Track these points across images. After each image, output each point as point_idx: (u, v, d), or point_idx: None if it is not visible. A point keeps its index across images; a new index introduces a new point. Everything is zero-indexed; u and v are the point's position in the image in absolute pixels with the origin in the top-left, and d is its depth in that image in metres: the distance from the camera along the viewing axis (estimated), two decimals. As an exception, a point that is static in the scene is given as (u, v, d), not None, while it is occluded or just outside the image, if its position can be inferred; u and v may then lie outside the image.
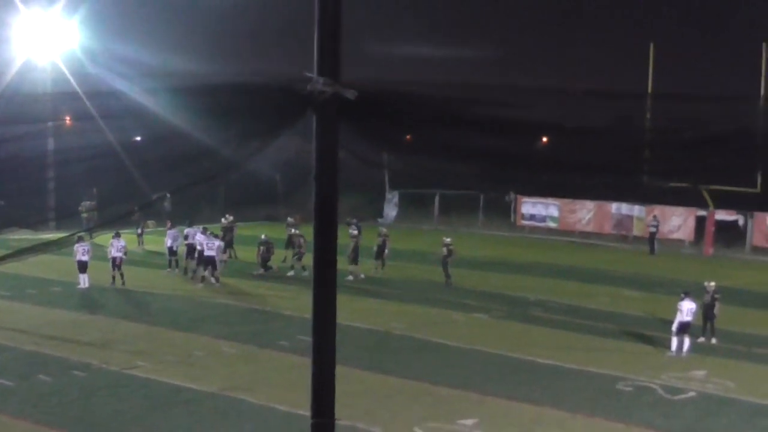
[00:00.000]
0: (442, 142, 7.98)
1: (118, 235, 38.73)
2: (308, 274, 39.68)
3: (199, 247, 40.25)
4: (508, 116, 7.84)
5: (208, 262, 39.17)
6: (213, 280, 38.78)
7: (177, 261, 41.75)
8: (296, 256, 41.34)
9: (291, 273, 41.03)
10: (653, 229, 54.27)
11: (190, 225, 42.31)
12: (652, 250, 53.62)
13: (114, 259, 38.05)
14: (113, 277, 37.90)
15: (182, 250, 41.62)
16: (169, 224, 43.30)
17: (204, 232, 40.74)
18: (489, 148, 8.06)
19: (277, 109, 7.32)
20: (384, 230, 44.67)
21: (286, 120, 7.37)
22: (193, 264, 40.81)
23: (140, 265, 43.01)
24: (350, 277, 39.66)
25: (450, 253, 40.13)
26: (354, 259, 40.67)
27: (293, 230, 42.73)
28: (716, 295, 30.07)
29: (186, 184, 8.17)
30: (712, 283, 30.33)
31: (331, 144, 7.26)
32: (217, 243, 39.54)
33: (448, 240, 40.88)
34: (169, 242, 42.04)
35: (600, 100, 8.39)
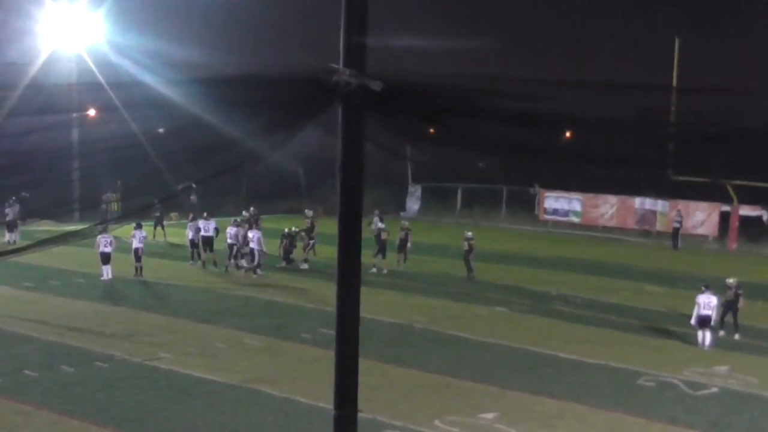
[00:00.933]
0: (467, 134, 7.97)
1: (140, 226, 38.90)
2: (307, 266, 40.20)
3: (230, 240, 40.93)
4: (533, 109, 7.83)
5: (250, 253, 39.93)
6: (254, 272, 39.71)
7: (199, 253, 41.85)
8: (310, 249, 41.72)
9: (305, 266, 41.14)
10: (677, 225, 54.05)
11: (206, 218, 42.43)
12: (675, 246, 53.41)
13: (136, 250, 38.19)
14: (136, 269, 38.03)
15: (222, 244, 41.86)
16: (191, 216, 43.55)
17: (237, 224, 41.57)
18: (513, 141, 8.06)
19: (304, 100, 7.33)
20: (406, 224, 44.62)
21: (312, 111, 7.37)
22: (211, 256, 41.17)
23: (163, 257, 43.16)
24: (374, 269, 39.74)
25: (471, 248, 40.08)
26: (380, 252, 40.86)
27: (307, 222, 43.05)
28: (739, 291, 29.88)
29: (211, 175, 8.19)
30: (733, 280, 30.12)
31: (356, 136, 7.26)
32: (255, 234, 39.77)
33: (470, 234, 40.79)
34: (190, 234, 42.16)
35: (625, 94, 8.37)
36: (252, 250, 39.80)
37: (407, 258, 42.54)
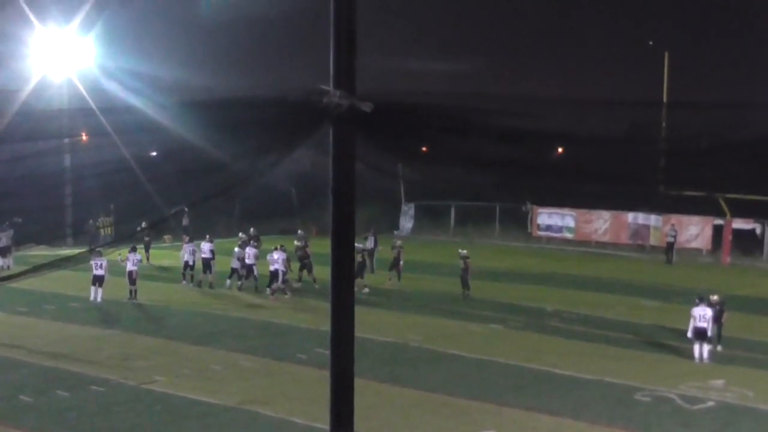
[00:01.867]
0: (458, 152, 7.99)
1: (134, 249, 38.90)
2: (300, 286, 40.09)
3: (248, 261, 41.15)
4: (524, 126, 7.85)
5: (273, 275, 39.97)
6: (284, 293, 39.83)
7: (192, 275, 41.90)
8: (306, 269, 41.68)
9: (298, 285, 41.14)
10: (671, 239, 54.12)
11: (210, 240, 42.64)
12: (669, 260, 53.46)
13: (131, 272, 38.15)
14: (130, 292, 38.00)
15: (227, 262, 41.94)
16: (186, 239, 43.64)
17: (255, 246, 42.20)
18: (504, 158, 8.08)
19: (294, 122, 7.35)
20: (398, 242, 44.70)
21: (303, 133, 7.39)
22: (210, 277, 41.27)
23: (156, 280, 43.09)
24: (366, 290, 39.67)
25: (467, 266, 39.96)
26: (358, 273, 40.69)
27: (296, 243, 43.07)
28: (721, 307, 29.72)
29: (202, 198, 8.19)
30: (716, 297, 29.96)
31: (347, 156, 7.28)
32: (281, 256, 39.96)
33: (465, 252, 40.71)
34: (185, 256, 42.19)
35: (615, 110, 8.39)
36: (276, 270, 39.83)
37: (401, 276, 42.55)
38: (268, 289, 40.08)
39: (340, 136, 7.19)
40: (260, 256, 41.37)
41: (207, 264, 41.67)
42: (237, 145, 7.55)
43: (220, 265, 42.29)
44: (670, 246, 53.99)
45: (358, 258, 40.59)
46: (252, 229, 45.94)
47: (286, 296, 39.35)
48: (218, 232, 52.55)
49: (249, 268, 41.25)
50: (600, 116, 8.33)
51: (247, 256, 41.24)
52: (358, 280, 39.82)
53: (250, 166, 7.66)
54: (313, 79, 7.42)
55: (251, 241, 43.02)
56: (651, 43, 60.77)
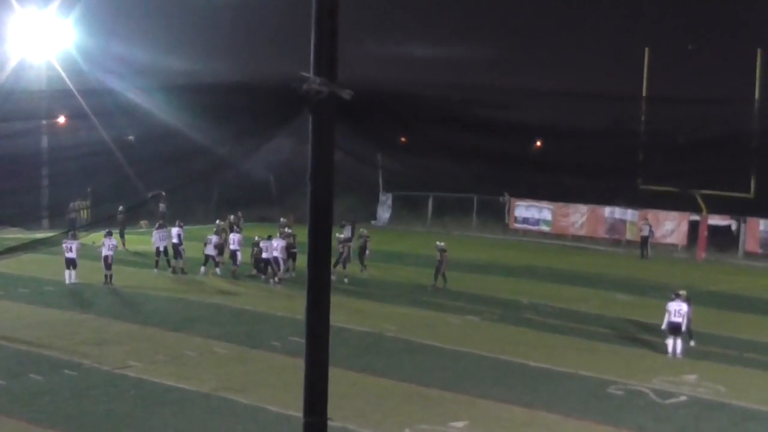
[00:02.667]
0: (438, 142, 7.99)
1: (110, 234, 38.76)
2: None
3: (233, 246, 41.36)
4: (503, 118, 7.86)
5: (267, 263, 40.22)
6: (273, 280, 39.74)
7: (169, 261, 41.83)
8: (291, 258, 41.35)
9: (287, 275, 40.92)
10: (645, 233, 54.22)
11: (180, 225, 42.62)
12: (644, 255, 53.60)
13: (106, 257, 38.02)
14: (106, 276, 37.88)
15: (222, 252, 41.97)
16: (158, 224, 43.45)
17: (238, 231, 42.61)
18: (484, 149, 8.08)
19: (273, 108, 7.33)
20: (365, 231, 44.57)
21: (282, 119, 7.37)
22: (180, 263, 41.48)
23: (132, 265, 42.96)
24: (345, 280, 39.63)
25: (443, 258, 39.78)
26: (343, 263, 40.65)
27: (286, 230, 42.76)
28: (689, 302, 29.67)
29: (181, 183, 8.17)
30: (683, 292, 29.91)
31: (326, 144, 7.27)
32: (278, 243, 40.04)
33: (442, 244, 40.53)
34: (156, 242, 42.11)
35: (595, 103, 8.41)
36: (276, 258, 39.93)
37: (365, 266, 42.38)
38: (262, 276, 40.33)
39: (320, 123, 7.17)
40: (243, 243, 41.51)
41: (176, 249, 41.68)
42: (216, 130, 7.53)
43: (193, 251, 42.24)
44: (644, 240, 54.10)
45: (342, 248, 40.58)
46: (239, 213, 45.87)
47: (276, 282, 39.42)
48: (196, 218, 52.44)
49: (233, 254, 41.33)
50: (579, 109, 8.34)
51: (231, 241, 41.35)
52: (340, 269, 39.83)
53: (229, 151, 7.64)
54: (294, 65, 7.41)
55: (234, 227, 42.98)
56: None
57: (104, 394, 23.16)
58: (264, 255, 40.03)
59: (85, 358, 26.34)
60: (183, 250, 41.64)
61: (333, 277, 38.81)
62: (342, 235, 42.13)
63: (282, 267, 39.75)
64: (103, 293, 36.55)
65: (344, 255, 40.55)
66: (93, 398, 22.85)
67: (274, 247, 39.75)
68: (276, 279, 39.41)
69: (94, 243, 38.58)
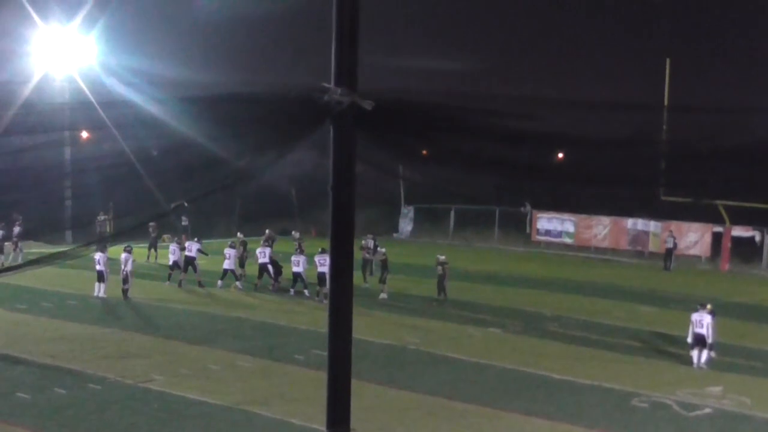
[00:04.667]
0: (459, 152, 7.98)
1: (129, 250, 38.94)
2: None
3: (261, 260, 41.49)
4: (525, 127, 7.85)
5: (297, 276, 40.26)
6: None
7: (170, 275, 42.10)
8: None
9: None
10: (670, 245, 54.10)
11: (198, 241, 42.84)
12: (667, 267, 53.44)
13: (124, 272, 38.08)
14: (123, 291, 37.93)
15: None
16: (176, 238, 43.59)
17: (266, 245, 42.52)
18: (505, 159, 8.07)
19: (295, 119, 7.34)
20: (381, 249, 43.61)
21: (303, 130, 7.38)
22: (196, 276, 41.73)
23: (155, 279, 43.08)
24: (384, 296, 39.64)
25: (444, 272, 39.62)
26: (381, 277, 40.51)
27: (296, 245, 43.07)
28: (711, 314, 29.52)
29: (202, 194, 8.18)
30: (708, 305, 29.74)
31: (348, 154, 7.27)
32: (303, 258, 40.19)
33: (443, 258, 40.32)
34: (171, 256, 42.27)
35: (616, 113, 8.38)
36: (297, 273, 40.02)
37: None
38: (291, 290, 40.36)
39: (341, 134, 7.18)
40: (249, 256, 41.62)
41: (191, 263, 41.78)
42: (237, 141, 7.54)
43: (213, 264, 42.36)
44: (668, 252, 53.98)
45: (381, 257, 40.52)
46: (267, 231, 45.96)
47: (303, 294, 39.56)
48: (219, 232, 52.58)
49: (263, 267, 41.50)
50: (601, 119, 8.32)
51: (260, 255, 41.48)
52: (380, 285, 39.77)
53: (251, 162, 7.65)
54: (314, 77, 7.42)
55: (264, 242, 43.10)
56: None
57: (127, 408, 23.19)
58: (294, 269, 40.01)
59: (109, 371, 26.39)
60: (198, 264, 41.77)
61: (384, 295, 39.07)
62: (382, 249, 41.79)
63: (305, 281, 39.77)
64: (126, 307, 36.63)
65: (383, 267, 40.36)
66: (116, 412, 22.89)
67: (297, 261, 39.82)
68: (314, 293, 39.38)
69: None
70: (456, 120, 7.72)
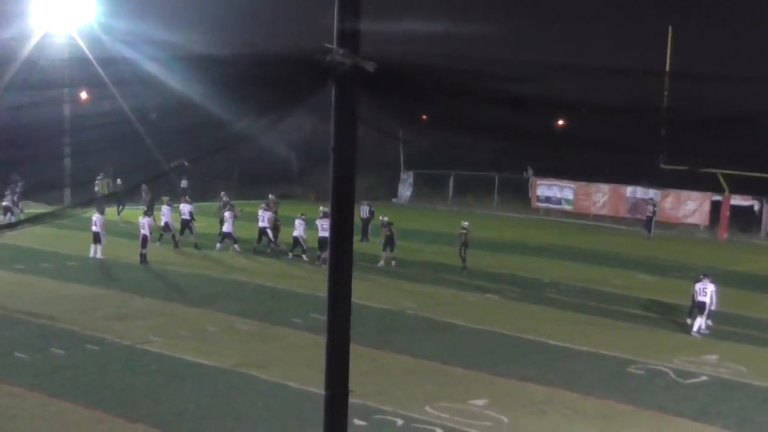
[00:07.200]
0: (460, 116, 7.96)
1: (149, 213, 39.12)
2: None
3: (261, 224, 41.84)
4: (526, 92, 7.82)
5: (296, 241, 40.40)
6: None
7: (173, 236, 42.07)
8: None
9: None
10: (650, 213, 53.73)
11: (189, 202, 43.08)
12: (648, 233, 53.02)
13: (143, 236, 38.06)
14: (141, 255, 37.92)
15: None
16: (167, 200, 43.55)
17: (266, 209, 42.66)
18: (506, 124, 8.05)
19: (297, 80, 7.31)
20: (386, 219, 42.71)
21: (305, 91, 7.36)
22: (192, 238, 42.16)
23: (155, 241, 43.10)
24: (381, 263, 39.43)
25: (465, 238, 39.16)
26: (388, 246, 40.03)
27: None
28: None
29: (202, 154, 8.17)
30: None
31: (349, 116, 7.25)
32: (303, 223, 40.32)
33: (466, 224, 39.98)
34: (164, 218, 42.30)
35: (618, 79, 8.36)
36: (296, 237, 40.15)
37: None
38: (290, 254, 40.40)
39: (343, 95, 7.16)
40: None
41: (187, 225, 41.97)
42: (237, 102, 7.52)
43: (211, 227, 42.48)
44: (648, 220, 53.68)
45: (386, 232, 39.95)
46: (270, 196, 45.85)
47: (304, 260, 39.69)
48: (217, 195, 52.54)
49: (262, 230, 41.81)
50: (602, 85, 8.30)
51: (260, 218, 41.70)
52: (388, 253, 39.51)
53: (251, 123, 7.63)
54: (317, 39, 7.39)
55: (264, 205, 43.12)
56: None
57: (125, 369, 23.26)
58: (294, 233, 40.16)
59: (107, 332, 26.45)
60: (194, 225, 41.95)
61: (382, 263, 38.94)
62: (386, 219, 40.98)
63: (304, 245, 39.83)
64: (125, 269, 36.68)
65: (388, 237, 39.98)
66: (114, 372, 22.96)
67: (297, 225, 39.96)
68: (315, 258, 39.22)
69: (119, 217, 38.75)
70: (458, 84, 7.70)
